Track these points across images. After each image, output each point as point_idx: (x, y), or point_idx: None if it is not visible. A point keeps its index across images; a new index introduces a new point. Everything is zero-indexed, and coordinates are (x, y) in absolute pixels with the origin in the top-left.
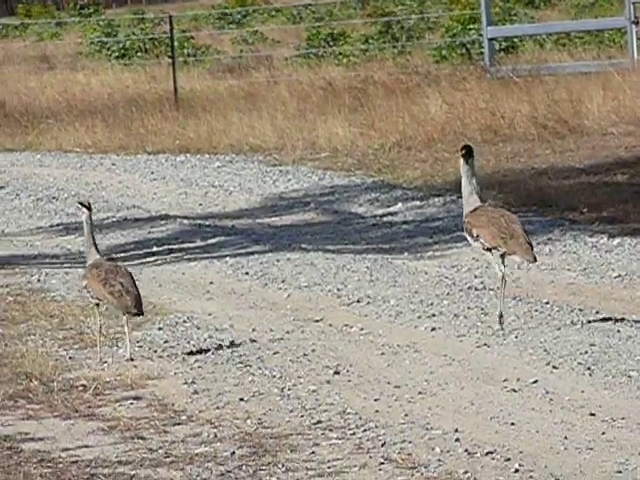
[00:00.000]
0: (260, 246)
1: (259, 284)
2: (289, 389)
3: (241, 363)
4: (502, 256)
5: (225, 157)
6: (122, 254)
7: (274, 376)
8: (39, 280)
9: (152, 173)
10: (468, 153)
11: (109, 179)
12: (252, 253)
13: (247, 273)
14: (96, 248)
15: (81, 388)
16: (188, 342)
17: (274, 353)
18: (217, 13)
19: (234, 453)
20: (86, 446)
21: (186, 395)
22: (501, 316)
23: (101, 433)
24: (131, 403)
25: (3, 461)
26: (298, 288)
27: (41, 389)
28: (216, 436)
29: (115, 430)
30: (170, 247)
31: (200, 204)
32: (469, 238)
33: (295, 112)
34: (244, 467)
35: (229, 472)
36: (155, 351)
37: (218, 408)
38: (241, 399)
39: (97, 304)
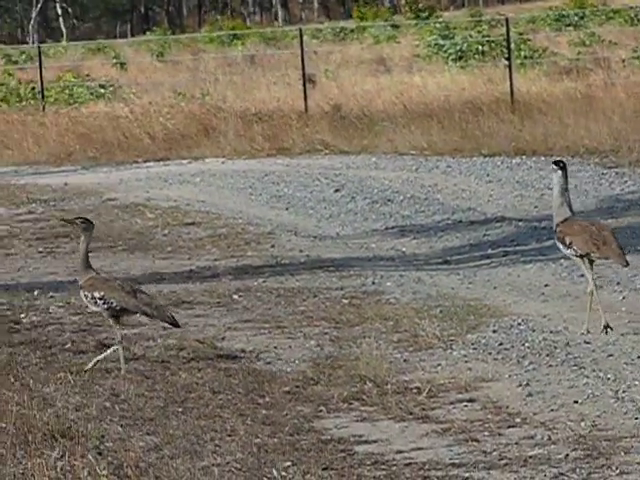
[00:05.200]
0: None
1: None
2: (624, 391)
3: (575, 365)
4: (591, 262)
5: None
6: (457, 256)
7: (608, 378)
8: (374, 283)
9: (487, 175)
10: (563, 167)
11: (444, 182)
12: None
13: (583, 275)
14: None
15: (415, 390)
16: (523, 344)
17: (608, 355)
18: (554, 15)
19: (568, 456)
20: (420, 448)
21: (520, 397)
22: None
23: (435, 435)
24: (465, 405)
25: (337, 463)
26: (634, 290)
27: (375, 391)
28: (550, 438)
29: (449, 432)
30: (505, 249)
31: (535, 206)
32: (561, 246)
33: (632, 114)
34: (577, 470)
35: (562, 475)
36: (489, 353)
37: (552, 410)
38: (575, 401)
39: (116, 316)
